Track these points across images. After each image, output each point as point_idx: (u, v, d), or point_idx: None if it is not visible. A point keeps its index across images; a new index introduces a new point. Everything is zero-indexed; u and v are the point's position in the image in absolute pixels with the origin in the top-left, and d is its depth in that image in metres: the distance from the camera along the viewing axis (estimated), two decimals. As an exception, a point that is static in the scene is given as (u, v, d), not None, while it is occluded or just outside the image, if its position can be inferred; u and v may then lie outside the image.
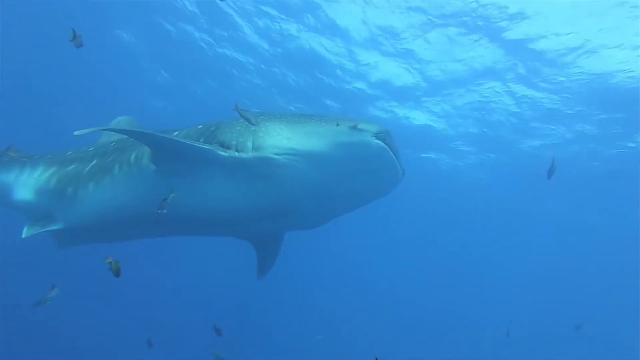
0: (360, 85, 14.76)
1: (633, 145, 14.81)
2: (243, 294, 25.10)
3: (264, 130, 4.33)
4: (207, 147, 4.30)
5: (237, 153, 4.30)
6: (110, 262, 4.38)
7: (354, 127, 4.20)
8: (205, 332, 9.86)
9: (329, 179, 4.38)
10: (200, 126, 4.86)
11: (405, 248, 28.79)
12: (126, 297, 20.84)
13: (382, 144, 4.27)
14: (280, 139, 4.26)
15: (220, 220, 4.90)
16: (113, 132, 6.11)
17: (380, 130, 4.28)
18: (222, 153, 4.28)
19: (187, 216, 4.84)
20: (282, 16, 12.34)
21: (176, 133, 4.94)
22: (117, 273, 4.39)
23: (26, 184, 5.82)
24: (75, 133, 3.99)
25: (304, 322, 25.86)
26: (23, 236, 5.37)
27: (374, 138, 4.24)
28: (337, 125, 4.24)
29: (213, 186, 4.54)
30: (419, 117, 15.87)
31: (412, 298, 31.53)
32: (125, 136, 5.37)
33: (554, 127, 14.99)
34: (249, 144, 4.30)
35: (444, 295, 30.82)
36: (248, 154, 4.28)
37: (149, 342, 10.19)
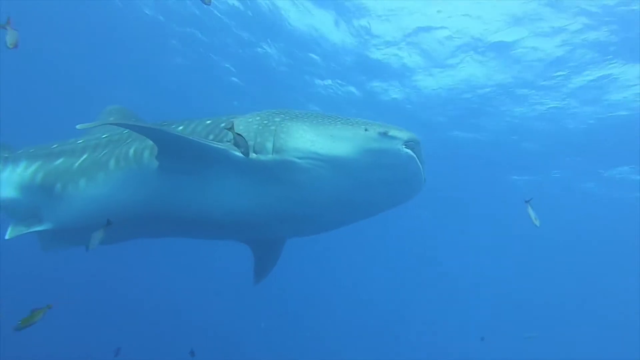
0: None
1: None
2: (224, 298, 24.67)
3: (285, 131, 4.00)
4: (221, 146, 3.96)
5: (254, 154, 3.97)
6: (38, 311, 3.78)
7: (384, 134, 3.96)
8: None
9: (351, 186, 4.10)
10: (208, 121, 4.48)
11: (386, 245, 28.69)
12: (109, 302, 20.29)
13: (412, 153, 4.02)
14: (303, 142, 3.94)
15: (227, 224, 4.57)
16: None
17: (411, 139, 4.04)
18: (238, 153, 3.93)
19: (192, 218, 4.51)
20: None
21: (181, 128, 4.55)
22: (20, 327, 3.65)
23: (9, 181, 5.38)
24: (78, 127, 3.67)
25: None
26: (6, 237, 4.97)
27: (403, 146, 3.99)
28: (366, 130, 3.98)
29: (223, 187, 4.20)
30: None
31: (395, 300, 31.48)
32: (118, 127, 4.98)
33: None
34: (269, 145, 3.97)
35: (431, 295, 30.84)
36: (267, 156, 3.95)
37: (117, 350, 9.89)
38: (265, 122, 4.12)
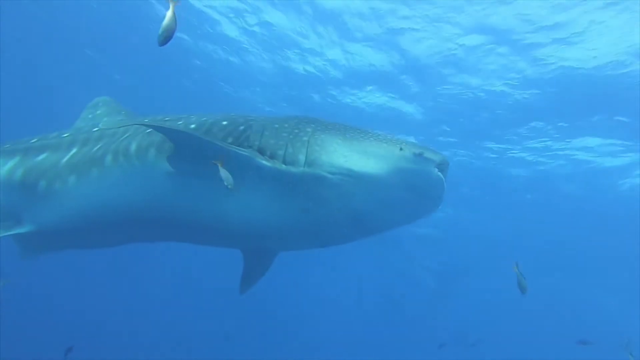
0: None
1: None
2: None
3: (319, 143, 3.83)
4: (246, 153, 3.70)
5: (284, 165, 3.75)
6: None
7: (420, 155, 3.91)
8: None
9: (375, 204, 3.98)
10: (224, 122, 4.14)
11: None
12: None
13: (442, 176, 4.00)
14: (336, 157, 3.79)
15: (235, 233, 4.30)
16: (92, 115, 5.28)
17: (443, 161, 4.01)
18: (265, 162, 3.71)
19: (198, 225, 4.21)
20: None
21: (193, 127, 4.18)
22: None
23: None
24: (101, 125, 3.45)
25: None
26: None
27: (436, 169, 3.96)
28: (401, 149, 3.91)
29: (239, 195, 3.92)
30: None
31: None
32: (110, 120, 4.62)
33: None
34: (302, 157, 3.78)
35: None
36: (298, 169, 3.75)
37: (68, 349, 9.55)
38: (296, 130, 3.92)
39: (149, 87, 16.46)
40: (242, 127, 4.01)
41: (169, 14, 3.21)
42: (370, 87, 14.24)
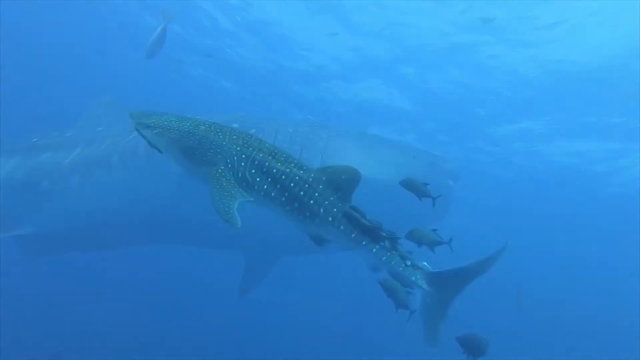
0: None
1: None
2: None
3: (334, 149, 3.87)
4: (258, 157, 3.61)
5: (299, 171, 3.66)
6: None
7: (432, 164, 3.99)
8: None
9: (387, 211, 3.90)
10: (235, 124, 4.11)
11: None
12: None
13: (452, 185, 4.10)
14: (351, 164, 3.71)
15: (246, 236, 4.32)
16: (94, 114, 5.23)
17: (454, 170, 4.12)
18: (278, 167, 3.61)
19: (205, 226, 4.21)
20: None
21: (202, 128, 4.12)
22: None
23: None
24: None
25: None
26: None
27: (449, 179, 4.01)
28: (414, 157, 3.97)
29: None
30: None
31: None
32: (114, 118, 4.56)
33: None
34: (316, 162, 3.78)
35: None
36: (312, 175, 3.65)
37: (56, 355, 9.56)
38: (311, 136, 3.94)
39: (145, 84, 16.36)
40: (253, 130, 3.96)
41: (159, 29, 3.20)
42: (365, 83, 14.23)
